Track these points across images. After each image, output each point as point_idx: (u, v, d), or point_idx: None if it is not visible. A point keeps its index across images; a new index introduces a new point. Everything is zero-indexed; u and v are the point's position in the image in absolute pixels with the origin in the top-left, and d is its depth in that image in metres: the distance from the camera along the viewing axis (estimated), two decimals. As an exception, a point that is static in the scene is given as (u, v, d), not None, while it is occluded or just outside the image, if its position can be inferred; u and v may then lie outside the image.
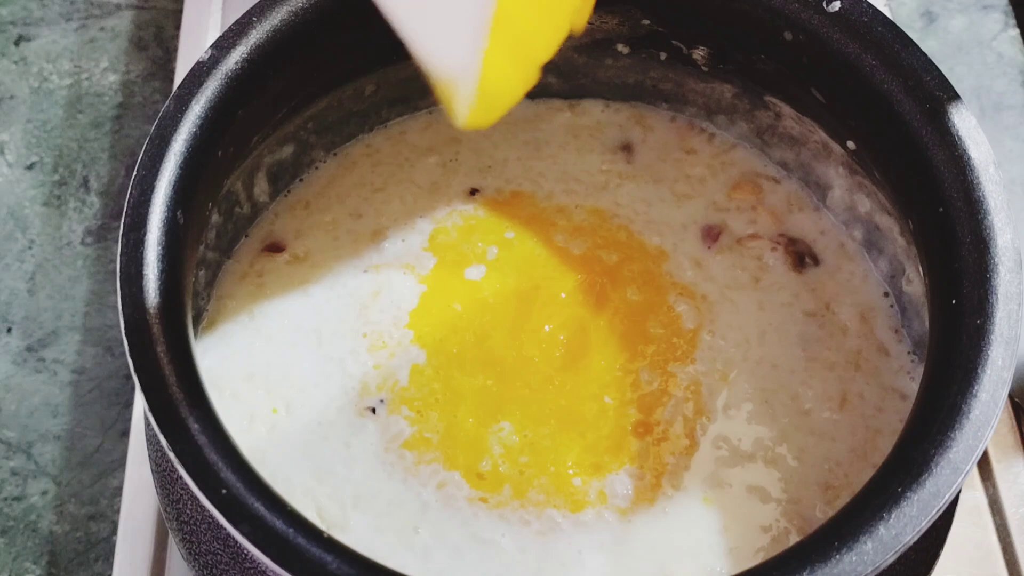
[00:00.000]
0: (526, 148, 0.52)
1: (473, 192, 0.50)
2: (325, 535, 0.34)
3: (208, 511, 0.34)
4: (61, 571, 0.53)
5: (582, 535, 0.42)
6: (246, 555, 0.40)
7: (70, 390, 0.57)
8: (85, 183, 0.63)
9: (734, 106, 0.51)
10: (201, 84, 0.42)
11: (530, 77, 0.39)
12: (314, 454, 0.43)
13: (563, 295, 0.47)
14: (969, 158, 0.40)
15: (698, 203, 0.50)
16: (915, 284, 0.46)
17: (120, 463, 0.54)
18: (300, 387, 0.45)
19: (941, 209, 0.40)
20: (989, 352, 0.37)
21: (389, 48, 0.49)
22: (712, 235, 0.49)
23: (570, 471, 0.43)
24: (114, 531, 0.53)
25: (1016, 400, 0.54)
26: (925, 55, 0.42)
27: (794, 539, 0.42)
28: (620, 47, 0.50)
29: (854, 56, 0.43)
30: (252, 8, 0.43)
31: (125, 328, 0.37)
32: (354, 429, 0.44)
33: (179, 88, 0.42)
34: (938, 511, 0.35)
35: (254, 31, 0.43)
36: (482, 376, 0.45)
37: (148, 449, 0.45)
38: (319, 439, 0.44)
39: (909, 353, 0.46)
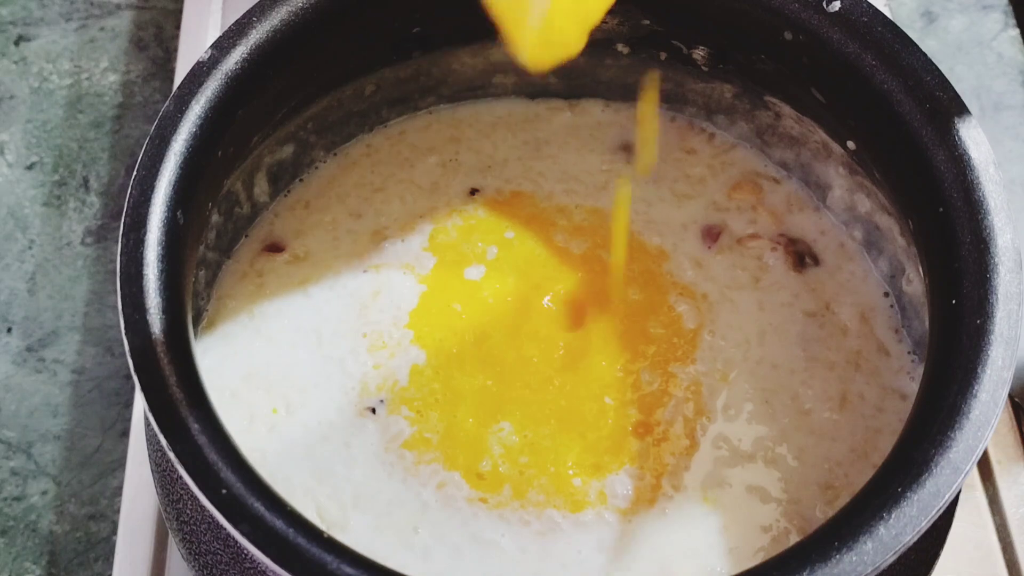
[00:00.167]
0: (526, 148, 0.52)
1: (473, 192, 0.50)
2: (325, 535, 0.34)
3: (208, 511, 0.34)
4: (61, 571, 0.53)
5: (582, 535, 0.42)
6: (246, 555, 0.40)
7: (70, 390, 0.57)
8: (85, 183, 0.63)
9: (734, 106, 0.51)
10: (201, 84, 0.42)
11: (596, 15, 0.40)
12: (314, 454, 0.43)
13: (563, 295, 0.47)
14: (969, 158, 0.40)
15: (698, 203, 0.50)
16: (915, 284, 0.46)
17: (120, 463, 0.54)
18: (300, 387, 0.45)
19: (941, 209, 0.40)
20: (989, 352, 0.37)
21: (389, 48, 0.49)
22: (712, 235, 0.49)
23: (570, 471, 0.43)
24: (114, 531, 0.53)
25: (1016, 400, 0.54)
26: (925, 55, 0.42)
27: (794, 539, 0.42)
28: (620, 47, 0.50)
29: (854, 56, 0.43)
30: (252, 8, 0.43)
31: (125, 328, 0.37)
32: (354, 429, 0.44)
33: (179, 88, 0.42)
34: (938, 511, 0.35)
35: (254, 31, 0.43)
36: (482, 376, 0.45)
37: (148, 449, 0.45)
38: (319, 439, 0.44)
39: (909, 353, 0.46)
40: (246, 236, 0.49)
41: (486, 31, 0.50)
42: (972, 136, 0.41)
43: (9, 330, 0.59)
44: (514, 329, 0.46)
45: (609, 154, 0.52)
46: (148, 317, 0.37)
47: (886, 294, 0.48)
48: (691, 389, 0.45)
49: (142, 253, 0.38)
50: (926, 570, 0.42)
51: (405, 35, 0.48)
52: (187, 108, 0.41)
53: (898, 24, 0.43)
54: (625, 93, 0.53)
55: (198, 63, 0.42)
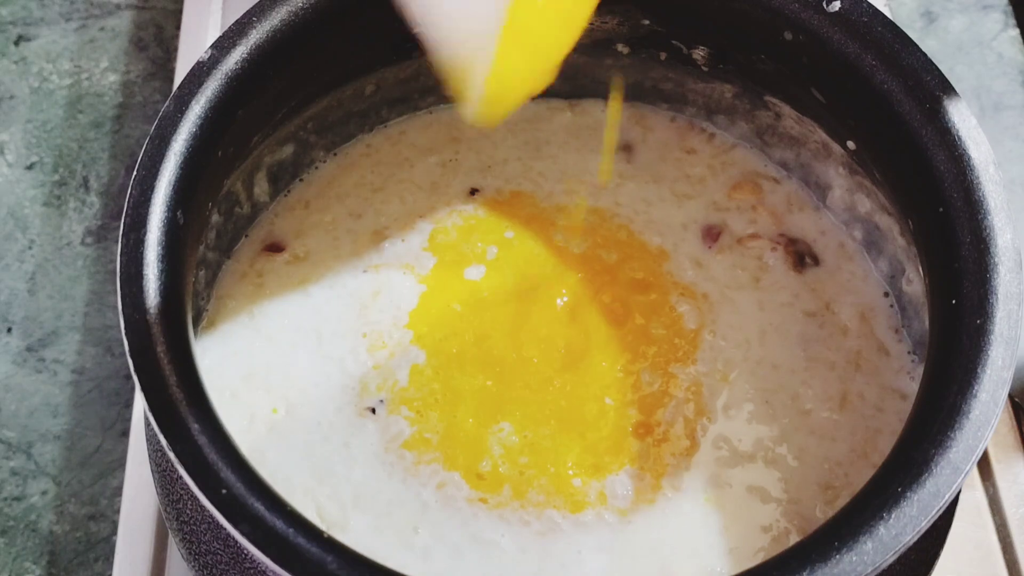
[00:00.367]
0: (526, 148, 0.52)
1: (473, 192, 0.50)
2: (325, 535, 0.34)
3: (208, 511, 0.34)
4: (61, 571, 0.53)
5: (582, 535, 0.42)
6: (246, 555, 0.40)
7: (70, 390, 0.57)
8: (85, 183, 0.63)
9: (734, 106, 0.51)
10: (201, 84, 0.42)
11: (542, 75, 0.39)
12: (314, 454, 0.43)
13: (563, 295, 0.47)
14: (969, 158, 0.40)
15: (698, 203, 0.50)
16: (915, 284, 0.46)
17: (120, 463, 0.54)
18: (300, 387, 0.45)
19: (941, 209, 0.40)
20: (989, 352, 0.37)
21: (389, 48, 0.49)
22: (712, 235, 0.49)
23: (570, 472, 0.43)
24: (114, 531, 0.53)
25: (1016, 400, 0.54)
26: (925, 55, 0.42)
27: (794, 539, 0.42)
28: (620, 47, 0.50)
29: (854, 56, 0.43)
30: (252, 8, 0.43)
31: (125, 328, 0.37)
32: (354, 429, 0.44)
33: (179, 88, 0.42)
34: (938, 511, 0.35)
35: (254, 31, 0.43)
36: (482, 376, 0.45)
37: (148, 449, 0.45)
38: (319, 439, 0.44)
39: (909, 353, 0.46)
40: (246, 236, 0.49)
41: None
42: (972, 136, 0.41)
43: (9, 330, 0.59)
44: (514, 329, 0.46)
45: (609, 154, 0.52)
46: (148, 317, 0.37)
47: (886, 294, 0.48)
48: (691, 389, 0.45)
49: (142, 253, 0.38)
50: (926, 570, 0.41)
51: (405, 35, 0.48)
52: (187, 108, 0.41)
53: (898, 24, 0.43)
54: (625, 93, 0.53)
55: (198, 63, 0.42)
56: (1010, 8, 0.70)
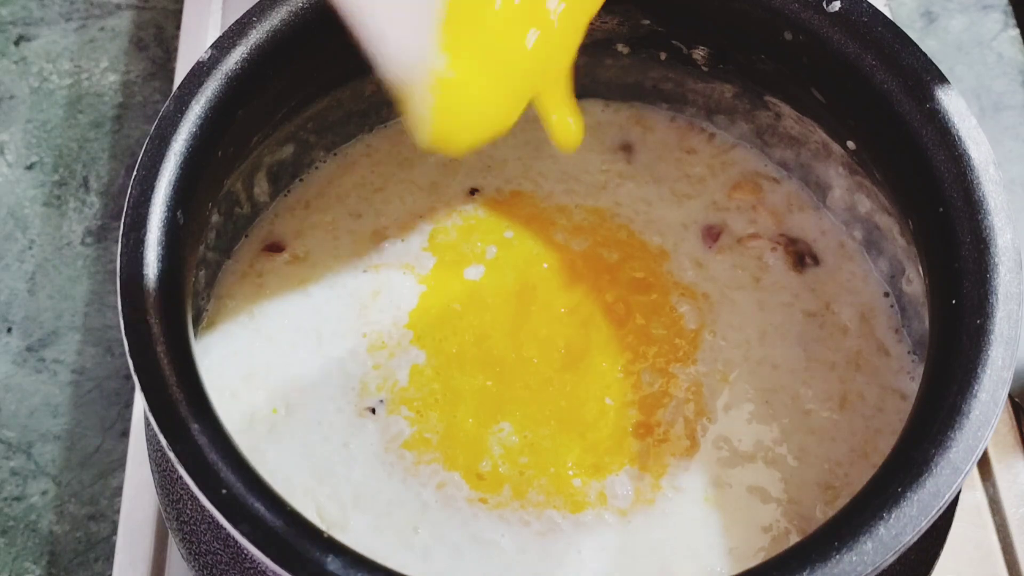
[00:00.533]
0: (526, 148, 0.52)
1: (473, 192, 0.50)
2: (325, 535, 0.34)
3: (208, 511, 0.34)
4: (61, 571, 0.53)
5: (582, 536, 0.42)
6: (246, 555, 0.40)
7: (70, 390, 0.57)
8: (85, 183, 0.63)
9: (734, 106, 0.51)
10: (201, 84, 0.42)
11: (513, 106, 0.38)
12: (314, 454, 0.43)
13: (563, 295, 0.47)
14: (969, 158, 0.40)
15: (698, 203, 0.50)
16: (915, 284, 0.46)
17: (120, 463, 0.54)
18: (300, 387, 0.45)
19: (941, 209, 0.40)
20: (989, 352, 0.37)
21: (389, 48, 0.49)
22: (712, 235, 0.49)
23: (570, 472, 0.43)
24: (114, 531, 0.53)
25: (1016, 400, 0.54)
26: (925, 55, 0.42)
27: (794, 539, 0.41)
28: (620, 47, 0.50)
29: (854, 56, 0.43)
30: (252, 8, 0.43)
31: (125, 328, 0.37)
32: (354, 429, 0.44)
33: (179, 88, 0.42)
34: (938, 511, 0.35)
35: (254, 31, 0.43)
36: (482, 376, 0.45)
37: (148, 449, 0.45)
38: (319, 439, 0.44)
39: (909, 353, 0.46)
40: (246, 236, 0.49)
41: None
42: (972, 136, 0.41)
43: (9, 330, 0.59)
44: (514, 329, 0.46)
45: (609, 154, 0.52)
46: (148, 317, 0.37)
47: (886, 294, 0.48)
48: (692, 390, 0.45)
49: (142, 253, 0.38)
50: (926, 570, 0.41)
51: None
52: (187, 108, 0.41)
53: (898, 24, 0.43)
54: (625, 93, 0.53)
55: (198, 63, 0.42)
56: (1010, 8, 0.70)
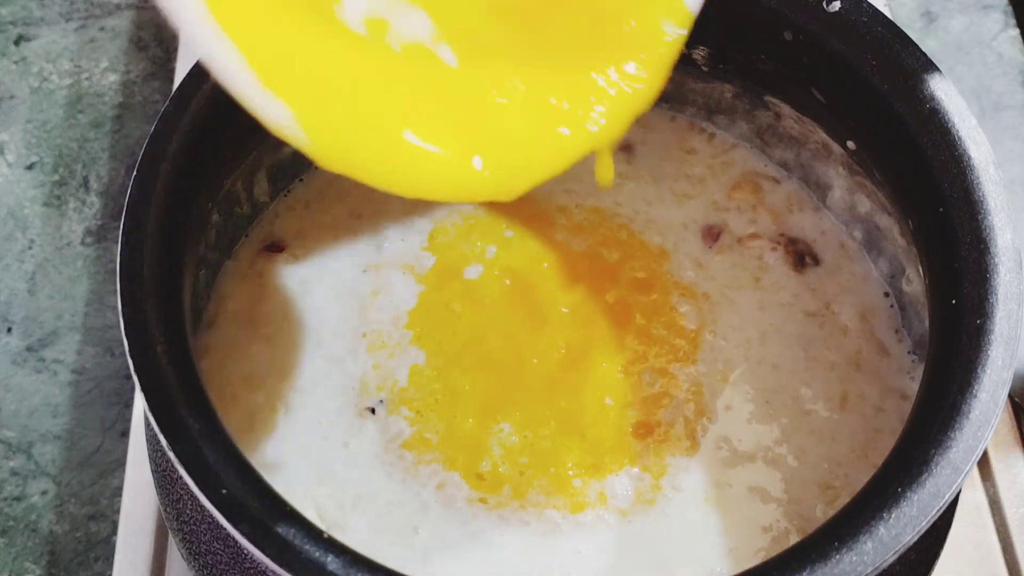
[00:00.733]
0: (526, 148, 0.52)
1: (473, 192, 0.50)
2: (325, 535, 0.34)
3: (208, 511, 0.34)
4: (61, 571, 0.53)
5: (582, 536, 0.42)
6: (246, 555, 0.40)
7: (70, 390, 0.57)
8: (85, 183, 0.63)
9: (734, 106, 0.51)
10: (201, 84, 0.42)
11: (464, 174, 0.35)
12: (314, 454, 0.43)
13: (563, 294, 0.47)
14: (969, 158, 0.40)
15: (698, 203, 0.50)
16: (915, 284, 0.46)
17: (120, 463, 0.54)
18: (300, 387, 0.45)
19: (941, 209, 0.40)
20: (989, 352, 0.37)
21: (389, 48, 0.49)
22: (712, 235, 0.49)
23: (570, 472, 0.43)
24: (114, 531, 0.53)
25: (1016, 400, 0.54)
26: (925, 55, 0.42)
27: (794, 539, 0.41)
28: (620, 47, 0.50)
29: (854, 56, 0.43)
30: (252, 8, 0.43)
31: (125, 328, 0.37)
32: (354, 429, 0.44)
33: (179, 88, 0.42)
34: (938, 511, 0.35)
35: (254, 31, 0.43)
36: (481, 376, 0.45)
37: (148, 449, 0.45)
38: (319, 439, 0.44)
39: (909, 353, 0.46)
40: (246, 236, 0.49)
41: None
42: (972, 136, 0.41)
43: (9, 330, 0.59)
44: (514, 329, 0.46)
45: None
46: (148, 317, 0.37)
47: (886, 294, 0.48)
48: (692, 390, 0.45)
49: (142, 253, 0.38)
50: (926, 570, 0.41)
51: (405, 35, 0.48)
52: (187, 108, 0.41)
53: (898, 24, 0.43)
54: (625, 93, 0.53)
55: (198, 63, 0.42)
56: (1010, 8, 0.70)
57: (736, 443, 0.44)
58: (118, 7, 0.70)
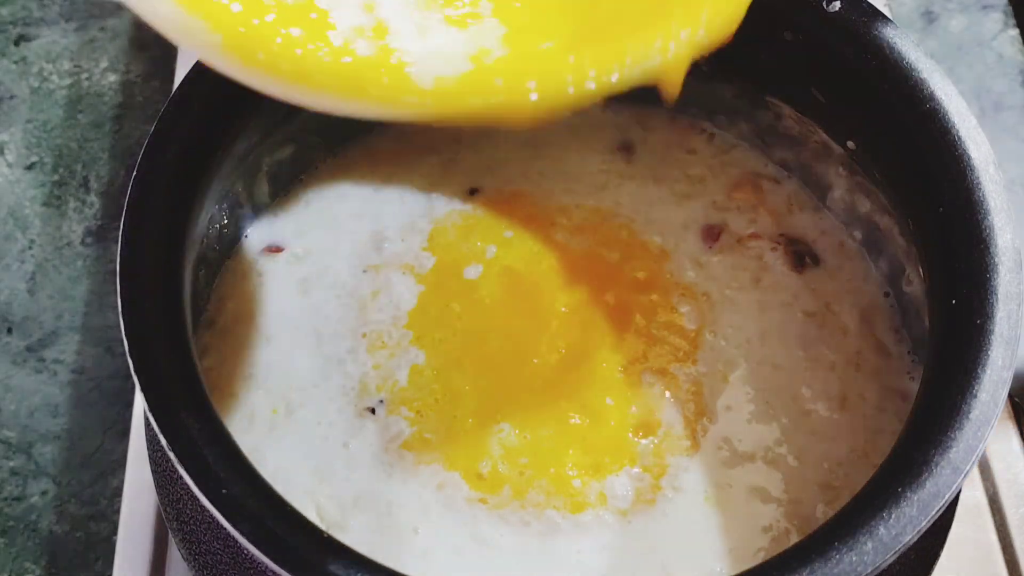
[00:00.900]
0: (526, 148, 0.52)
1: (473, 192, 0.50)
2: (325, 535, 0.34)
3: (208, 511, 0.34)
4: (61, 571, 0.53)
5: (582, 536, 0.42)
6: (246, 555, 0.40)
7: (70, 390, 0.57)
8: (85, 183, 0.63)
9: (734, 106, 0.51)
10: (201, 84, 0.42)
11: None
12: (314, 454, 0.43)
13: (563, 294, 0.47)
14: (969, 158, 0.40)
15: (698, 203, 0.50)
16: (915, 284, 0.46)
17: (120, 463, 0.54)
18: (300, 387, 0.45)
19: (941, 209, 0.40)
20: (989, 352, 0.37)
21: (389, 48, 0.49)
22: (713, 235, 0.49)
23: (570, 472, 0.43)
24: (114, 531, 0.53)
25: (1016, 400, 0.54)
26: (925, 55, 0.42)
27: (794, 539, 0.42)
28: (620, 47, 0.50)
29: (854, 56, 0.43)
30: (252, 8, 0.43)
31: (125, 328, 0.37)
32: (354, 429, 0.44)
33: (179, 88, 0.42)
34: (938, 511, 0.35)
35: (254, 31, 0.43)
36: (481, 376, 0.45)
37: (148, 449, 0.45)
38: (319, 439, 0.44)
39: (909, 353, 0.46)
40: (246, 236, 0.49)
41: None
42: (972, 136, 0.41)
43: (9, 330, 0.59)
44: (514, 329, 0.46)
45: (609, 154, 0.52)
46: (148, 317, 0.37)
47: (886, 294, 0.48)
48: (692, 390, 0.45)
49: (142, 253, 0.39)
50: (926, 570, 0.41)
51: (405, 35, 0.48)
52: (187, 108, 0.41)
53: (898, 24, 0.43)
54: (625, 93, 0.53)
55: (198, 63, 0.42)
56: (1010, 8, 0.70)
57: (736, 443, 0.44)
58: (118, 7, 0.70)
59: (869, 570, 0.34)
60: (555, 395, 0.45)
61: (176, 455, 0.35)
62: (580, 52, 0.32)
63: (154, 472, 0.44)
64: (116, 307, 0.38)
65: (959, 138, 0.41)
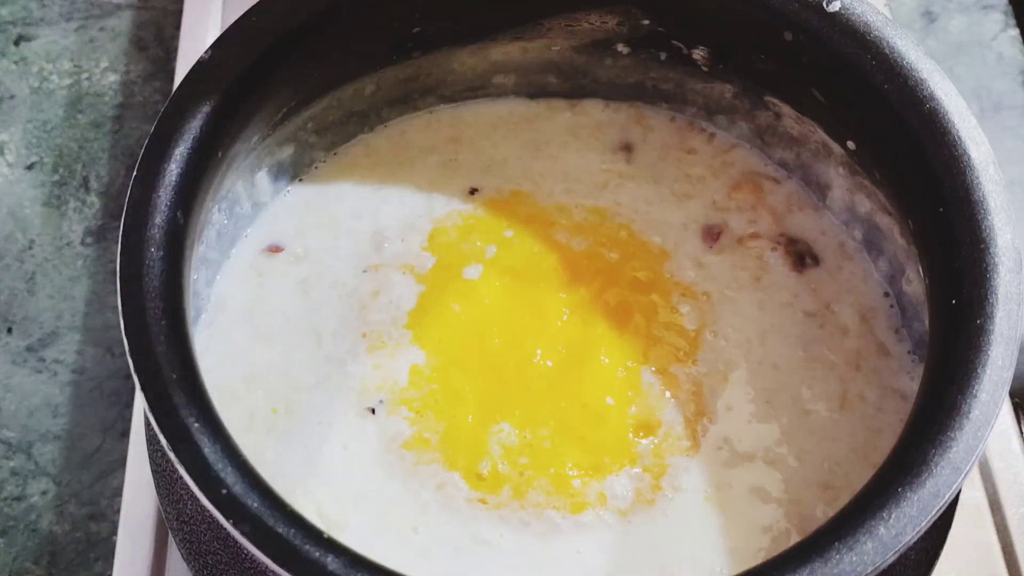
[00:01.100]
0: (526, 148, 0.52)
1: (473, 192, 0.50)
2: (325, 535, 0.34)
3: (208, 511, 0.34)
4: (61, 571, 0.53)
5: (582, 536, 0.42)
6: (246, 555, 0.40)
7: (70, 390, 0.57)
8: (85, 183, 0.63)
9: (734, 106, 0.51)
10: (201, 84, 0.42)
11: None
12: (314, 454, 0.43)
13: (563, 294, 0.47)
14: (969, 158, 0.40)
15: (698, 203, 0.50)
16: (915, 284, 0.46)
17: (120, 463, 0.54)
18: (300, 387, 0.45)
19: (941, 209, 0.40)
20: (989, 352, 0.37)
21: (389, 48, 0.49)
22: (713, 235, 0.49)
23: (570, 472, 0.43)
24: (114, 531, 0.53)
25: (1016, 400, 0.54)
26: (925, 55, 0.42)
27: (794, 539, 0.41)
28: (620, 47, 0.50)
29: (854, 56, 0.43)
30: (252, 8, 0.43)
31: (125, 328, 0.37)
32: (354, 429, 0.44)
33: (179, 88, 0.42)
34: (938, 511, 0.35)
35: (254, 31, 0.43)
36: (481, 376, 0.45)
37: (148, 449, 0.45)
38: (319, 439, 0.44)
39: (909, 353, 0.46)
40: (246, 236, 0.49)
41: (486, 31, 0.50)
42: (972, 136, 0.41)
43: (9, 330, 0.59)
44: (513, 329, 0.46)
45: (609, 154, 0.52)
46: (148, 317, 0.37)
47: (886, 294, 0.48)
48: (692, 390, 0.45)
49: (142, 253, 0.38)
50: (926, 570, 0.42)
51: (405, 35, 0.48)
52: (187, 108, 0.41)
53: (898, 24, 0.43)
54: (625, 93, 0.53)
55: (198, 63, 0.42)
56: (1010, 8, 0.70)
57: (736, 443, 0.44)
58: (118, 7, 0.70)
59: (869, 570, 0.34)
60: (555, 395, 0.45)
61: (176, 455, 0.35)
62: None
63: (154, 472, 0.44)
64: (116, 307, 0.38)
65: (959, 138, 0.41)
